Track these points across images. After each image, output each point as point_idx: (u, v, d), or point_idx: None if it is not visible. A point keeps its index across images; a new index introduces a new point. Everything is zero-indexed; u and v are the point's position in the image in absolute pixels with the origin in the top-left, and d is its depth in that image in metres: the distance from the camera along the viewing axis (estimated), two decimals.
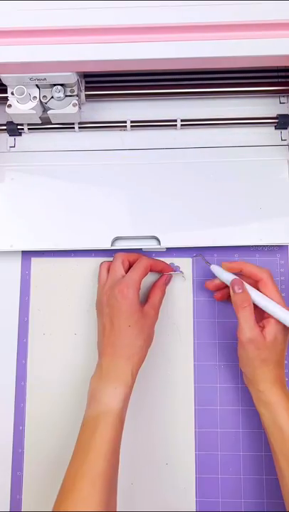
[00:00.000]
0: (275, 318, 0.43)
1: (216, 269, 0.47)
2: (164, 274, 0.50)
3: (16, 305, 0.52)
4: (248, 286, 0.45)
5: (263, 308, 0.44)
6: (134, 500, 0.48)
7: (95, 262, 0.52)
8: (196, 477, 0.48)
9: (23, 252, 0.52)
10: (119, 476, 0.47)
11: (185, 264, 0.52)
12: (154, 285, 0.49)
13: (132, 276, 0.45)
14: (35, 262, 0.52)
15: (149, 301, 0.47)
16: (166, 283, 0.50)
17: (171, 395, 0.50)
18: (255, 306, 0.44)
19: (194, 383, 0.50)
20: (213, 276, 0.48)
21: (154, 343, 0.48)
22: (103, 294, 0.46)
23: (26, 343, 0.51)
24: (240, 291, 0.44)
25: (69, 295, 0.51)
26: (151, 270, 0.48)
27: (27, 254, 0.52)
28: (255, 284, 0.45)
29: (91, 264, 0.52)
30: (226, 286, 0.47)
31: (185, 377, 0.50)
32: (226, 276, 0.46)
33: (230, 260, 0.51)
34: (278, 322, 0.43)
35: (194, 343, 0.50)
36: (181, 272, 0.51)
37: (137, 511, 0.47)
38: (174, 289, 0.51)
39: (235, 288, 0.44)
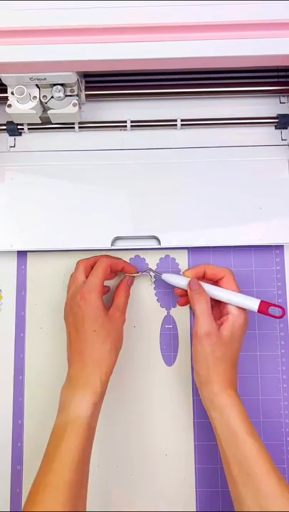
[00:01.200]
0: (232, 315, 0.43)
1: (168, 277, 0.47)
2: (126, 275, 0.50)
3: (12, 299, 0.52)
4: (206, 284, 0.45)
5: (221, 299, 0.44)
6: (134, 491, 0.48)
7: (90, 255, 0.51)
8: (195, 467, 0.48)
9: None
10: (118, 467, 0.48)
11: (181, 256, 0.52)
12: (117, 287, 0.49)
13: (91, 280, 0.45)
14: (31, 256, 0.52)
15: (113, 304, 0.47)
16: (129, 284, 0.49)
17: (170, 386, 0.50)
18: (215, 304, 0.46)
19: (192, 374, 0.50)
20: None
21: (153, 337, 0.49)
22: (67, 304, 0.46)
23: (24, 338, 0.51)
24: (195, 287, 0.44)
25: (65, 288, 0.51)
26: (112, 270, 0.48)
27: None
28: (217, 283, 0.46)
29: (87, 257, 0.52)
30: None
31: (184, 369, 0.50)
32: (179, 281, 0.46)
33: (228, 261, 0.52)
34: (235, 319, 0.43)
35: (191, 334, 0.50)
36: (147, 272, 0.50)
37: (137, 511, 0.47)
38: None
39: (192, 286, 0.45)
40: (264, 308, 0.44)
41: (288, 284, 0.51)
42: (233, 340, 0.43)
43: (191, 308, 0.50)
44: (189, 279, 0.46)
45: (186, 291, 0.46)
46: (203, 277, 0.47)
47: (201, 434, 0.49)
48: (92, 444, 0.41)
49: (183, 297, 0.48)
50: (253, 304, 0.44)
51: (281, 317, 0.44)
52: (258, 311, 0.44)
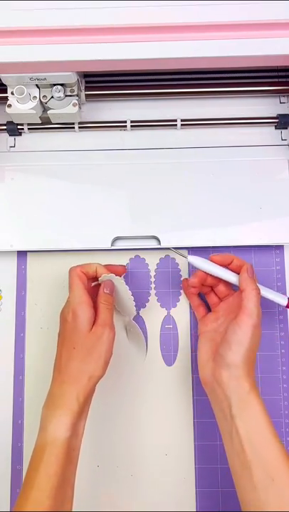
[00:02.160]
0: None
1: (195, 260, 0.46)
2: (99, 282, 0.46)
3: (12, 299, 0.52)
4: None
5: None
6: (134, 491, 0.48)
7: (91, 255, 0.52)
8: (195, 467, 0.48)
9: None
10: (118, 467, 0.48)
11: (181, 256, 0.52)
12: (97, 299, 0.45)
13: (74, 293, 0.44)
14: (31, 256, 0.52)
15: (96, 319, 0.43)
16: (109, 292, 0.45)
17: (170, 386, 0.50)
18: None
19: (192, 373, 0.50)
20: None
21: (153, 337, 0.49)
22: (61, 312, 0.45)
23: (24, 338, 0.51)
24: (251, 274, 0.44)
25: (65, 289, 0.51)
26: (87, 276, 0.45)
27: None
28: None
29: (87, 258, 0.52)
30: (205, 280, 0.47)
31: (184, 369, 0.50)
32: (208, 266, 0.46)
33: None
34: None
35: (191, 334, 0.51)
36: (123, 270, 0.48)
37: (137, 511, 0.48)
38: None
39: (249, 272, 0.44)
40: None
41: (288, 284, 0.51)
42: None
43: (191, 306, 0.50)
44: (220, 267, 0.46)
45: (199, 285, 0.47)
46: (229, 266, 0.46)
47: (201, 434, 0.49)
48: (75, 463, 0.40)
49: (194, 288, 0.47)
50: (282, 300, 0.46)
51: None
52: (287, 307, 0.46)
